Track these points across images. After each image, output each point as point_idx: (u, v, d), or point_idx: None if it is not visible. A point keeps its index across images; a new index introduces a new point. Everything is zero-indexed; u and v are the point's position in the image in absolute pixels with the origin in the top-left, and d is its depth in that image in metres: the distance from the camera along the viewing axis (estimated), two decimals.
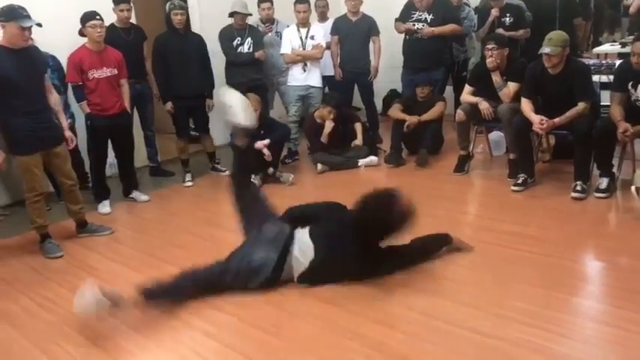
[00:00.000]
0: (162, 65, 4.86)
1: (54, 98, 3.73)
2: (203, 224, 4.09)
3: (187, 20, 4.90)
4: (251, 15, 5.35)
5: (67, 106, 4.63)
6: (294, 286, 2.91)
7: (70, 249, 3.74)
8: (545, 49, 3.90)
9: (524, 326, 2.45)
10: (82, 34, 4.31)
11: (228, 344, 2.52)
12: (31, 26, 3.37)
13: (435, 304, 2.70)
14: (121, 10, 4.83)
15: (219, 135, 5.56)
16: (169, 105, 4.94)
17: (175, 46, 4.83)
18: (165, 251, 3.62)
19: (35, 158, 3.56)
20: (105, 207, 4.47)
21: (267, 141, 4.77)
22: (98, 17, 4.21)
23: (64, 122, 3.80)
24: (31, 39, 3.49)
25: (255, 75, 5.30)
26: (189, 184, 5.07)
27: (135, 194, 4.71)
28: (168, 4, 4.79)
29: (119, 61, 4.42)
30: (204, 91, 5.03)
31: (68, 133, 3.79)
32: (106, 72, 4.31)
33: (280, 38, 5.48)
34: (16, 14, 3.32)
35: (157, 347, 2.55)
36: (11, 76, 3.37)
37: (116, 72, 4.39)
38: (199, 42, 5.04)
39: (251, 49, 5.20)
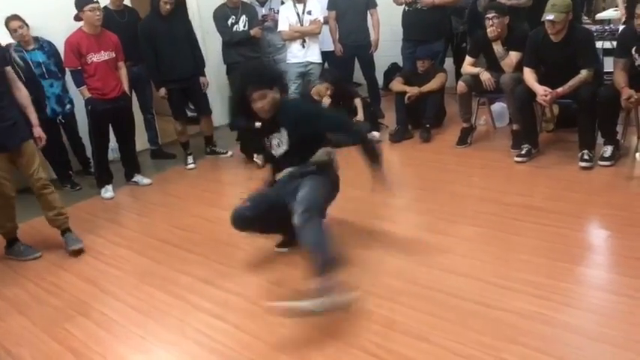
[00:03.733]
0: (150, 50, 4.70)
1: (21, 94, 3.38)
2: (206, 206, 4.09)
3: (174, 6, 4.70)
4: None
5: (65, 92, 4.61)
6: (292, 264, 2.90)
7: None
8: (549, 16, 3.82)
9: (531, 297, 2.46)
10: (77, 18, 4.24)
11: (236, 325, 2.54)
12: None
13: (440, 278, 2.70)
14: None
15: (217, 116, 5.52)
16: (163, 91, 4.80)
17: (162, 30, 4.67)
18: (169, 233, 3.63)
19: None
20: (108, 192, 4.47)
21: None
22: (96, 0, 4.15)
23: (34, 119, 3.43)
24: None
25: (253, 53, 5.21)
26: (192, 166, 5.03)
27: (137, 178, 4.70)
28: None
29: (116, 44, 4.38)
30: (195, 70, 4.91)
31: (37, 131, 3.44)
32: (104, 55, 4.28)
33: (276, 13, 5.39)
34: None
35: (166, 331, 2.57)
36: None
37: (114, 55, 4.36)
38: (185, 21, 4.93)
39: (246, 27, 5.12)
